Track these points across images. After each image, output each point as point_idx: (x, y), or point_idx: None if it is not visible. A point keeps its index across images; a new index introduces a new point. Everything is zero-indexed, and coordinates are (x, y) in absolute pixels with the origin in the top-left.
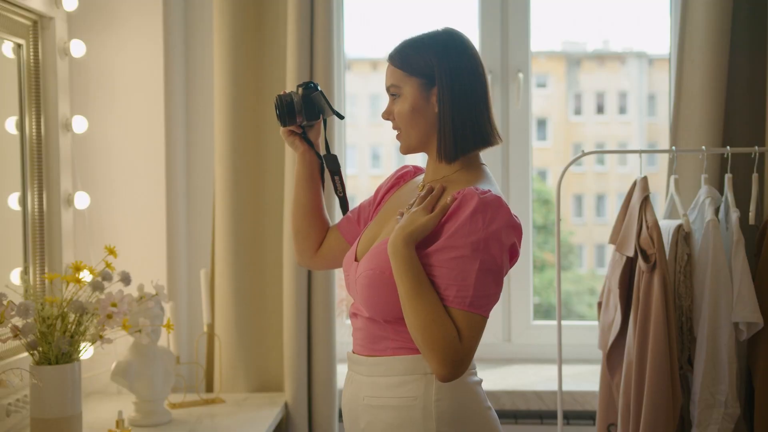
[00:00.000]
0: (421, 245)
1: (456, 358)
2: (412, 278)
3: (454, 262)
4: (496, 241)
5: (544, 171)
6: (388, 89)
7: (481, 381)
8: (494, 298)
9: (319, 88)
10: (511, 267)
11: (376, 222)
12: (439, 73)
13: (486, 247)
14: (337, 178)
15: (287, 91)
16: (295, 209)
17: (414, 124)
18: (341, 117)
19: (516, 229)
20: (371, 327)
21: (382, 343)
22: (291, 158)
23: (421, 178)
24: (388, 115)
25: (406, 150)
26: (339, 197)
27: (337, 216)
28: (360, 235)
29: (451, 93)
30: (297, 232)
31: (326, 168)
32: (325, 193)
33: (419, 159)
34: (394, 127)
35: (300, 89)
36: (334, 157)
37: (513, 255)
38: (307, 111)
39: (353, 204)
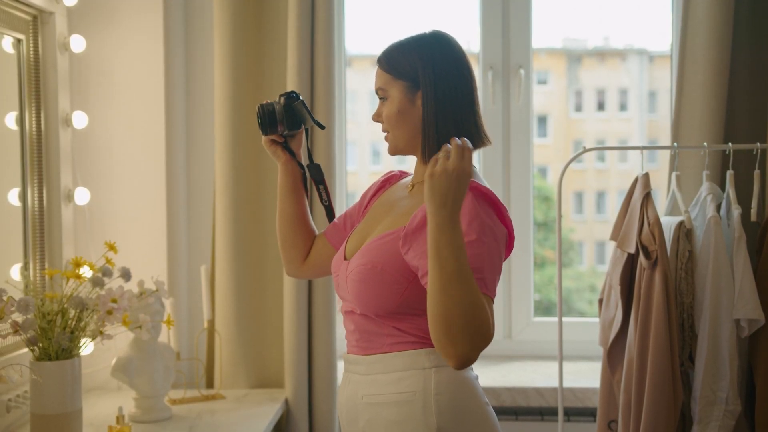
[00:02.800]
0: (419, 237)
1: (485, 343)
2: (461, 252)
3: (468, 247)
4: (495, 225)
5: (545, 168)
6: (376, 92)
7: (477, 377)
8: (498, 278)
9: (300, 97)
10: (507, 256)
11: (365, 222)
12: (423, 76)
13: (490, 231)
14: (321, 187)
15: (269, 100)
16: (280, 219)
17: (400, 126)
18: (322, 127)
19: (506, 219)
20: (366, 324)
21: (379, 339)
22: None
23: (407, 180)
24: (377, 117)
25: (393, 151)
26: (324, 206)
27: (324, 225)
28: (348, 235)
29: (435, 96)
30: (284, 242)
31: (310, 178)
32: (309, 202)
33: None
34: (383, 129)
35: (282, 98)
36: (318, 167)
37: (509, 244)
38: (289, 120)
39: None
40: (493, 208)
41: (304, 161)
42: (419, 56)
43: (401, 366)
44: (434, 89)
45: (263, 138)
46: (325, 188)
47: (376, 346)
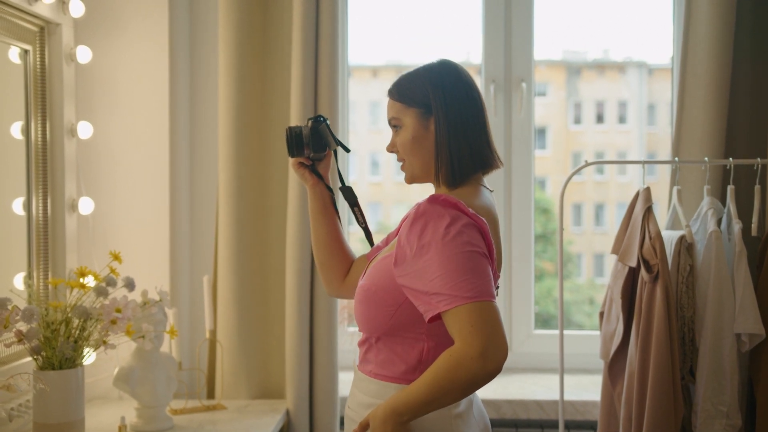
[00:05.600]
0: (407, 270)
1: (469, 361)
2: (422, 410)
3: (441, 268)
4: (461, 228)
5: (543, 180)
6: (389, 122)
7: (462, 413)
8: (489, 278)
9: (326, 121)
10: (490, 243)
11: (388, 247)
12: (435, 101)
13: (455, 237)
14: (356, 209)
15: (297, 124)
16: (315, 243)
17: (416, 153)
18: (347, 150)
19: (468, 212)
20: (362, 347)
21: (368, 365)
22: None
23: None
24: (392, 147)
25: (410, 179)
26: (362, 228)
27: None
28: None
29: (446, 120)
30: (321, 264)
31: (344, 200)
32: (341, 223)
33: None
34: (399, 159)
35: (309, 122)
36: (350, 189)
37: (485, 232)
38: (315, 143)
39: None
40: (450, 208)
41: (336, 184)
42: (430, 83)
43: (374, 393)
44: (446, 113)
45: (291, 161)
46: (360, 210)
47: (366, 370)
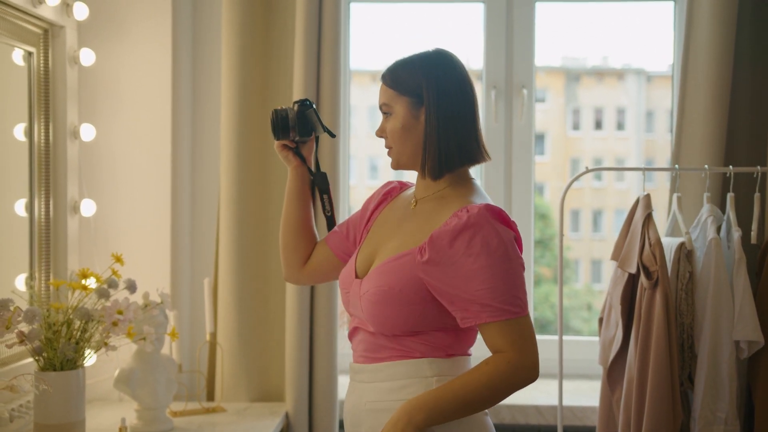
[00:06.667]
0: (444, 273)
1: (524, 370)
2: (450, 412)
3: (491, 280)
4: (511, 243)
5: (542, 186)
6: (380, 107)
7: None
8: (526, 290)
9: (313, 105)
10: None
11: (371, 239)
12: (427, 93)
13: (506, 251)
14: (326, 196)
15: (283, 106)
16: (284, 223)
17: (404, 141)
18: (333, 135)
19: (511, 223)
20: (373, 339)
21: (384, 352)
22: None
23: (410, 192)
24: (381, 132)
25: (396, 166)
26: (326, 216)
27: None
28: (356, 252)
29: (437, 112)
30: (285, 245)
31: (316, 185)
32: (315, 209)
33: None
34: (387, 145)
35: (296, 105)
36: (324, 176)
37: (519, 245)
38: (301, 127)
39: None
40: (498, 222)
41: (313, 169)
42: (423, 73)
43: (404, 374)
44: (437, 105)
45: (275, 143)
46: (329, 198)
47: (382, 357)
